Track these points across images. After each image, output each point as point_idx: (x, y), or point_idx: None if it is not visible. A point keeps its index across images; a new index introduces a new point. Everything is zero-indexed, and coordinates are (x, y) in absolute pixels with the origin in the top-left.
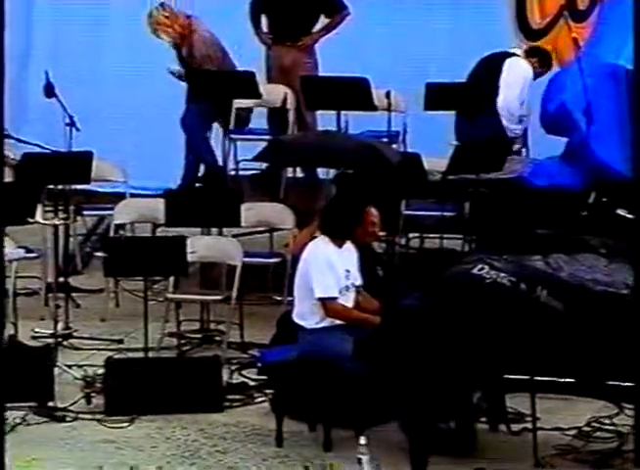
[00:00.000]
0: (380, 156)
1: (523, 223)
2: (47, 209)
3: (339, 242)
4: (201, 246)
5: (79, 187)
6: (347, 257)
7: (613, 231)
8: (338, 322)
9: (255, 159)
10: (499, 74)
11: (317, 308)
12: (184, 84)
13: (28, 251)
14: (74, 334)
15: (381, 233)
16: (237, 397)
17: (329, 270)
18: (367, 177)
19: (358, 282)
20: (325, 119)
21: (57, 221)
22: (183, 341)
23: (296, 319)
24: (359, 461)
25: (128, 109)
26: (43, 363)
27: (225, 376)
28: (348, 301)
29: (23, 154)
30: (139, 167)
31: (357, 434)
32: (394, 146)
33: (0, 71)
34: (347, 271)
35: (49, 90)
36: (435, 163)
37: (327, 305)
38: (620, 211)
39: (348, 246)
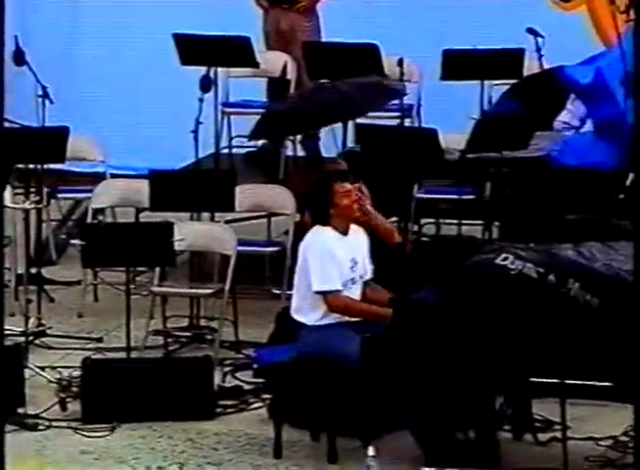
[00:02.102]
0: (385, 89)
1: (551, 207)
2: (17, 191)
3: (341, 228)
4: (190, 233)
5: (53, 167)
6: (354, 245)
7: None
8: (342, 318)
9: (252, 136)
10: None
11: (319, 303)
12: (173, 54)
13: None
14: (48, 332)
15: (393, 219)
16: (230, 402)
17: (329, 261)
18: (374, 156)
19: (368, 276)
20: None
21: (28, 205)
22: (170, 339)
23: (295, 315)
24: None
25: (109, 79)
26: (13, 365)
27: (217, 379)
28: (354, 295)
29: None
30: (120, 145)
31: (365, 444)
32: (407, 120)
33: (0, 69)
34: (354, 262)
35: (19, 57)
36: (453, 139)
37: (328, 298)
38: None
39: (357, 233)
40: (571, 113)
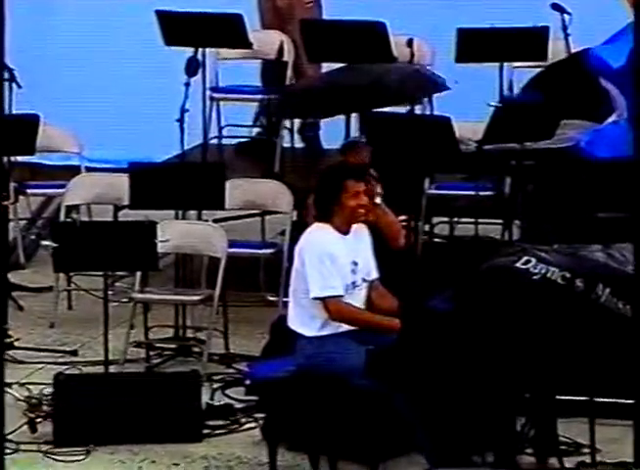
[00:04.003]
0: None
1: (579, 205)
2: None
3: (342, 228)
4: (175, 233)
5: (21, 159)
6: (355, 246)
7: None
8: (344, 327)
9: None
10: None
11: (318, 310)
12: (156, 34)
13: None
14: (16, 343)
15: (401, 217)
16: (220, 422)
17: (329, 264)
18: (381, 147)
19: (373, 276)
20: None
21: None
22: (153, 352)
23: (292, 325)
24: None
25: (84, 62)
26: None
27: (205, 396)
28: (357, 300)
29: None
30: (97, 135)
31: (371, 468)
32: (418, 108)
33: (0, 68)
34: (355, 264)
35: None
36: (469, 128)
37: (329, 305)
38: None
39: (358, 232)
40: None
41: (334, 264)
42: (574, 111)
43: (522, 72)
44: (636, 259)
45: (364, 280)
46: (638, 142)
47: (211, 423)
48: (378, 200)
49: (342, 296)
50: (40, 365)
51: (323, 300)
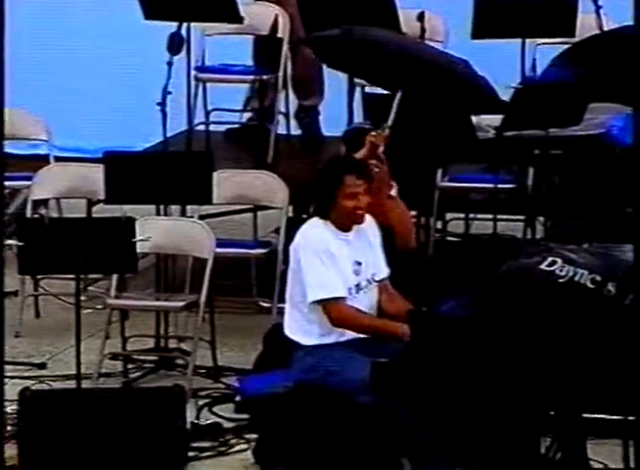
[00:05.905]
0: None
1: (611, 198)
2: None
3: (342, 225)
4: (156, 231)
5: None
6: (358, 243)
7: None
8: (348, 335)
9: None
10: None
11: (318, 316)
12: (135, 6)
13: None
14: None
15: (411, 213)
16: (207, 444)
17: (328, 263)
18: (388, 134)
19: (381, 276)
20: None
21: None
22: (131, 365)
23: (289, 333)
24: None
25: (52, 38)
26: None
27: (191, 414)
28: (364, 305)
29: None
30: (68, 120)
31: None
32: None
33: (0, 70)
34: (357, 264)
35: None
36: None
37: (329, 308)
38: None
39: (362, 227)
40: None
41: (332, 263)
42: (609, 93)
43: (546, 50)
44: (636, 259)
45: (370, 281)
46: (638, 133)
47: (197, 445)
48: (393, 192)
49: (344, 298)
50: (4, 380)
51: (322, 303)
